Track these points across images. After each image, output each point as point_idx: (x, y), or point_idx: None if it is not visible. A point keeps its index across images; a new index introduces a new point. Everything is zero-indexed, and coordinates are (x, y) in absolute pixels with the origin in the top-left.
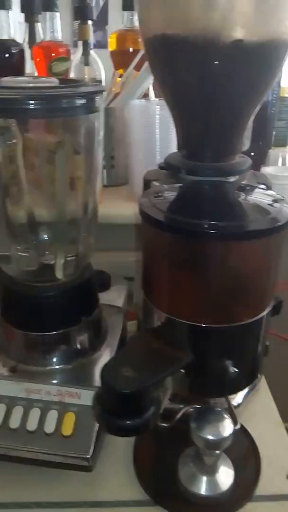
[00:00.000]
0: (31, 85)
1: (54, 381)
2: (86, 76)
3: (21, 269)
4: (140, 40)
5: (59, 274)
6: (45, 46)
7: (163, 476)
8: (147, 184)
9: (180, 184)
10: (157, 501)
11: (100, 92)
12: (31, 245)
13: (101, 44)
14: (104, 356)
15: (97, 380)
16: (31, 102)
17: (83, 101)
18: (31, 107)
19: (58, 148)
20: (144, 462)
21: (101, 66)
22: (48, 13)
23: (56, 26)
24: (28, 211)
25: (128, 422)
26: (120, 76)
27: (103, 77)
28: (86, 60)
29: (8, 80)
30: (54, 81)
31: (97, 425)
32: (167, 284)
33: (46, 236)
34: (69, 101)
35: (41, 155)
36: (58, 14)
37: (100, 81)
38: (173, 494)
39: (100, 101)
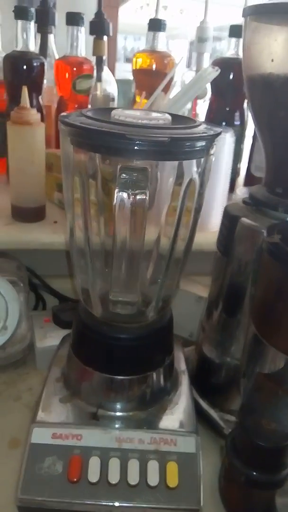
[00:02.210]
0: (146, 122)
1: (143, 427)
2: (98, 92)
3: (115, 311)
4: (165, 61)
5: (151, 315)
6: (73, 62)
7: None
8: (232, 219)
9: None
10: None
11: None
12: (129, 288)
13: None
14: (183, 396)
15: (188, 424)
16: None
17: (204, 143)
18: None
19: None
20: (234, 503)
21: (114, 82)
22: (71, 27)
23: (80, 41)
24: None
25: (269, 476)
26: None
27: (115, 94)
28: (99, 76)
29: (121, 114)
30: (167, 118)
31: (201, 474)
32: None
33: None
34: (199, 144)
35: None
36: (83, 29)
37: (113, 98)
38: None
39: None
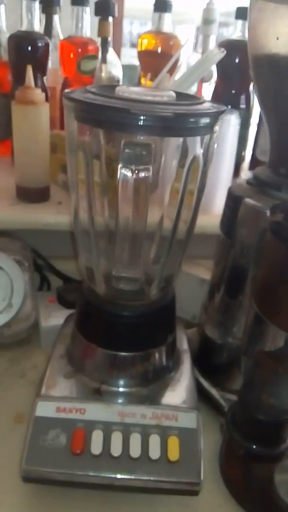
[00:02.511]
0: (151, 98)
1: (146, 403)
2: (103, 74)
3: (117, 288)
4: (171, 43)
5: (153, 293)
6: (78, 42)
7: (258, 492)
8: (236, 199)
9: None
10: None
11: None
12: (132, 264)
13: None
14: (185, 374)
15: (189, 401)
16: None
17: (208, 120)
18: (176, 125)
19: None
20: (234, 480)
21: (119, 65)
22: (76, 8)
23: (85, 22)
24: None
25: (268, 450)
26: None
27: (120, 77)
28: (104, 57)
29: (125, 90)
30: (171, 95)
31: (202, 448)
32: None
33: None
34: (204, 120)
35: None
36: (88, 9)
37: (118, 80)
38: (275, 510)
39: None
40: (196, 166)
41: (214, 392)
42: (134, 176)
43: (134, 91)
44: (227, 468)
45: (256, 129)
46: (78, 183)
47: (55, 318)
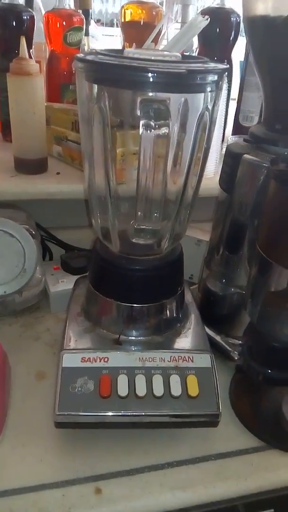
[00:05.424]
0: (161, 57)
1: (162, 349)
2: (86, 47)
3: (131, 244)
4: (154, 13)
5: (165, 247)
6: (63, 14)
7: (268, 420)
8: (235, 156)
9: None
10: (274, 445)
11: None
12: (146, 220)
13: None
14: (194, 321)
15: (202, 344)
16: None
17: (216, 77)
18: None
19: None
20: (244, 412)
21: (101, 36)
22: None
23: None
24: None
25: (283, 374)
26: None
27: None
28: (86, 30)
29: (135, 52)
30: (177, 55)
31: (217, 384)
32: None
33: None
34: (211, 77)
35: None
36: None
37: None
38: (285, 435)
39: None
40: (204, 124)
41: (218, 338)
42: (155, 131)
43: (143, 53)
44: (238, 402)
45: (237, 96)
46: (92, 150)
47: (62, 283)
